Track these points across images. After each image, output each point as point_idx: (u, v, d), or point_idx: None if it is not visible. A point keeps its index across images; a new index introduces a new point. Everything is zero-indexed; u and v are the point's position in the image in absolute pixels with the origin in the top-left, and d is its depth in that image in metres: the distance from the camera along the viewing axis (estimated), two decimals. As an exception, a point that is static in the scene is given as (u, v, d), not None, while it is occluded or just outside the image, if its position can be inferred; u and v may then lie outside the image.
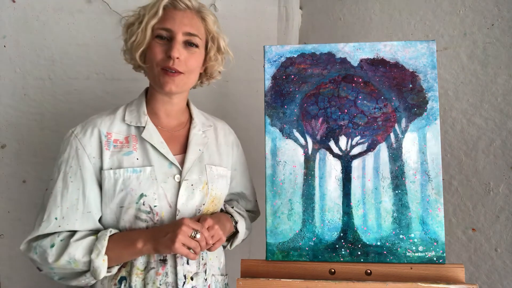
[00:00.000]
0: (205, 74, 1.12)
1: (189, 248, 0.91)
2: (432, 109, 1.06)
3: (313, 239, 1.06)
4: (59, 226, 0.93)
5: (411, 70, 1.09)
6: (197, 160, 1.05)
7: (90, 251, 0.91)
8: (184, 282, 0.98)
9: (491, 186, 1.23)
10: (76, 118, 1.52)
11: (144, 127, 1.01)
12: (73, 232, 0.94)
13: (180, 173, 1.00)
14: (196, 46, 1.01)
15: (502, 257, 1.22)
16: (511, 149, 1.20)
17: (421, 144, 1.06)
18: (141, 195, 0.96)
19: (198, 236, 0.92)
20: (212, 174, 1.07)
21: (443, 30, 1.33)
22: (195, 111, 1.15)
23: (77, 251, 0.90)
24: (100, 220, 0.99)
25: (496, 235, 1.23)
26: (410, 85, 1.08)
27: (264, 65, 1.13)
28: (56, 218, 0.93)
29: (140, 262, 0.97)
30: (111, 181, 0.96)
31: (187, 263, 1.00)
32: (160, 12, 0.97)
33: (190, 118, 1.13)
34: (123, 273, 0.97)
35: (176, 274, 0.98)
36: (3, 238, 1.50)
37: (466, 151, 1.28)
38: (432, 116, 1.06)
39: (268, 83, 1.12)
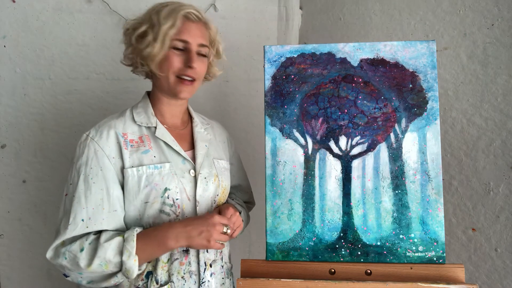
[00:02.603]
0: (204, 78, 1.18)
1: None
2: (432, 109, 1.06)
3: (313, 239, 1.06)
4: (87, 227, 0.94)
5: (411, 70, 1.09)
6: (205, 155, 1.11)
7: (120, 252, 0.92)
8: (205, 269, 1.05)
9: (491, 186, 1.23)
10: (76, 118, 1.52)
11: (155, 127, 1.06)
12: (99, 235, 0.95)
13: (194, 168, 1.07)
14: (206, 55, 1.08)
15: (502, 257, 1.22)
16: (511, 149, 1.20)
17: (421, 144, 1.06)
18: (165, 189, 1.00)
19: (229, 231, 0.99)
20: (219, 167, 1.14)
21: (443, 30, 1.33)
22: (192, 111, 1.21)
23: (108, 253, 0.91)
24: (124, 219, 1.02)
25: (496, 235, 1.23)
26: (410, 85, 1.08)
27: (264, 65, 1.13)
28: (82, 220, 0.94)
29: (164, 255, 1.01)
30: (135, 179, 0.99)
31: (207, 251, 1.06)
32: (179, 24, 1.01)
33: (190, 117, 1.19)
34: (149, 267, 1.00)
35: (198, 263, 1.04)
36: (3, 238, 1.50)
37: (466, 151, 1.28)
38: (432, 116, 1.06)
39: (268, 83, 1.12)
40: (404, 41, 1.12)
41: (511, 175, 1.20)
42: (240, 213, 1.17)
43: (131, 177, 0.99)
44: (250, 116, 1.68)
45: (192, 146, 1.12)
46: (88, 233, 0.95)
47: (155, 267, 1.00)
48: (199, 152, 1.10)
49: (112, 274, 0.94)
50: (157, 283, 0.99)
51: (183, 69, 1.03)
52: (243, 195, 1.34)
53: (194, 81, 1.05)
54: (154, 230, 0.97)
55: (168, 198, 1.01)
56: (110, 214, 0.97)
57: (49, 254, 0.94)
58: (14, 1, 1.46)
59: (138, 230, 0.96)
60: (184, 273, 1.02)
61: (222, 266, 1.11)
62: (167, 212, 1.01)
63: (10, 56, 1.47)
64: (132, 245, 0.92)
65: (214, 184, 1.09)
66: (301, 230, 1.07)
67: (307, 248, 1.06)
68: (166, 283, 1.00)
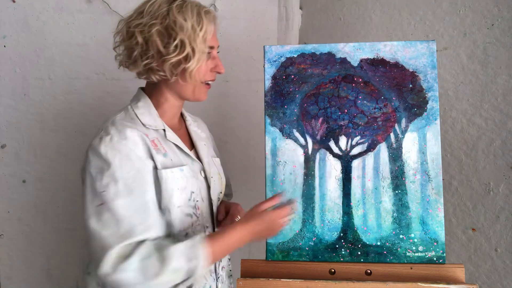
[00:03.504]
0: None
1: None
2: (432, 109, 1.06)
3: (313, 239, 1.06)
4: (144, 232, 0.86)
5: (411, 70, 1.09)
6: (207, 154, 1.10)
7: (190, 258, 0.85)
8: (219, 264, 1.06)
9: (491, 186, 1.23)
10: (76, 118, 1.52)
11: (163, 129, 1.00)
12: (158, 241, 0.88)
13: (203, 168, 1.05)
14: None
15: (502, 257, 1.22)
16: (511, 149, 1.20)
17: (421, 144, 1.06)
18: (191, 192, 0.98)
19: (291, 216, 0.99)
20: (217, 164, 1.14)
21: (443, 30, 1.33)
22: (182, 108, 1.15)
23: (180, 260, 0.84)
24: None
25: (496, 235, 1.23)
26: (410, 85, 1.08)
27: (264, 65, 1.13)
28: (136, 226, 0.86)
29: None
30: (169, 180, 0.93)
31: None
32: (211, 29, 0.96)
33: (181, 115, 1.14)
34: None
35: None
36: (3, 238, 1.50)
37: (466, 151, 1.28)
38: (432, 116, 1.06)
39: (268, 83, 1.12)
40: (404, 41, 1.12)
41: (511, 175, 1.20)
42: None
43: (165, 179, 0.93)
44: (250, 116, 1.68)
45: (191, 146, 1.09)
46: (142, 241, 0.86)
47: None
48: (202, 152, 1.08)
49: (179, 283, 0.88)
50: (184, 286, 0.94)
51: (210, 74, 1.00)
52: (225, 189, 1.30)
53: None
54: (226, 236, 0.91)
55: (193, 201, 0.99)
56: (157, 217, 0.91)
57: (105, 270, 0.81)
58: (14, 1, 1.46)
59: (204, 235, 0.91)
60: (205, 273, 1.00)
61: (229, 259, 1.13)
62: (191, 215, 0.98)
63: (10, 56, 1.47)
64: (203, 250, 0.86)
65: (219, 182, 1.10)
66: (301, 230, 1.07)
67: (307, 248, 1.06)
68: (191, 285, 0.96)
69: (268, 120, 1.11)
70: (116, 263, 0.81)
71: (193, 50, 0.92)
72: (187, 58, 0.92)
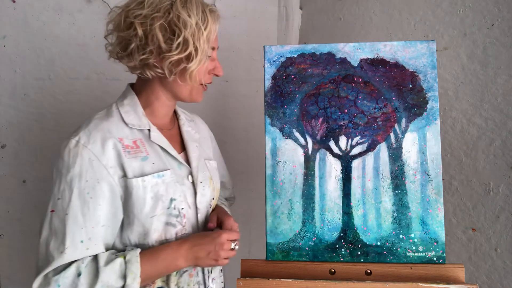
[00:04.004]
0: None
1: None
2: (432, 109, 1.06)
3: (313, 239, 1.06)
4: (87, 249, 0.83)
5: (411, 70, 1.09)
6: (198, 157, 1.03)
7: (124, 275, 0.83)
8: (209, 276, 1.02)
9: (491, 186, 1.23)
10: (76, 118, 1.52)
11: (148, 129, 0.94)
12: (94, 256, 0.85)
13: (191, 173, 0.99)
14: None
15: (502, 257, 1.22)
16: (511, 149, 1.20)
17: (421, 144, 1.06)
18: (171, 200, 0.92)
19: (237, 247, 0.95)
20: (211, 168, 1.08)
21: (443, 30, 1.33)
22: (177, 106, 1.09)
23: (111, 278, 0.82)
24: (123, 235, 0.92)
25: (496, 235, 1.23)
26: (410, 85, 1.08)
27: (264, 65, 1.13)
28: (82, 241, 0.83)
29: None
30: (140, 190, 0.88)
31: None
32: (216, 29, 0.92)
33: (174, 114, 1.08)
34: (159, 283, 0.93)
35: (203, 271, 1.00)
36: (3, 238, 1.50)
37: (466, 151, 1.28)
38: (432, 116, 1.06)
39: (268, 83, 1.12)
40: (404, 41, 1.12)
41: (511, 175, 1.20)
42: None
43: (136, 188, 0.88)
44: (250, 116, 1.68)
45: (183, 148, 1.03)
46: (80, 259, 0.84)
47: (166, 282, 0.94)
48: (192, 154, 1.01)
49: None
50: None
51: (208, 77, 0.97)
52: (225, 192, 1.27)
53: None
54: (160, 251, 0.88)
55: (174, 209, 0.92)
56: (112, 232, 0.88)
57: (37, 283, 0.80)
58: (14, 1, 1.46)
59: (139, 250, 0.87)
60: (194, 284, 0.97)
61: (221, 270, 1.09)
62: (173, 224, 0.93)
63: (10, 56, 1.47)
64: (137, 266, 0.84)
65: (210, 188, 1.03)
66: (301, 230, 1.07)
67: (307, 248, 1.06)
68: None
69: (268, 120, 1.11)
70: (46, 278, 0.81)
71: (196, 49, 0.87)
72: (189, 58, 0.88)
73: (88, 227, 0.84)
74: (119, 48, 0.91)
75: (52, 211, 0.85)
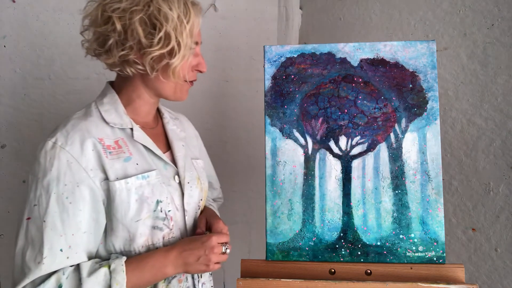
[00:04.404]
0: None
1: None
2: (432, 109, 1.06)
3: (313, 239, 1.06)
4: (68, 258, 0.78)
5: (411, 70, 1.09)
6: (184, 156, 0.99)
7: (108, 285, 0.78)
8: (198, 281, 0.99)
9: (491, 186, 1.23)
10: (76, 118, 1.52)
11: (131, 128, 0.89)
12: (76, 266, 0.80)
13: (178, 173, 0.95)
14: None
15: (502, 257, 1.22)
16: (511, 149, 1.20)
17: (421, 144, 1.06)
18: (157, 202, 0.87)
19: (228, 250, 0.91)
20: (198, 167, 1.05)
21: (443, 30, 1.33)
22: (160, 104, 1.04)
23: None
24: (107, 241, 0.87)
25: (496, 235, 1.23)
26: (410, 85, 1.08)
27: (264, 65, 1.13)
28: (61, 250, 0.78)
29: None
30: (123, 193, 0.83)
31: None
32: (199, 23, 0.88)
33: (158, 112, 1.04)
34: None
35: (192, 276, 0.98)
36: (3, 238, 1.50)
37: (466, 151, 1.28)
38: (432, 116, 1.06)
39: (268, 83, 1.12)
40: (404, 41, 1.12)
41: (511, 175, 1.20)
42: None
43: (119, 191, 0.83)
44: (250, 116, 1.68)
45: (167, 147, 0.98)
46: (60, 269, 0.79)
47: None
48: (178, 153, 0.97)
49: None
50: None
51: (193, 74, 0.92)
52: (213, 192, 1.23)
53: None
54: (146, 258, 0.84)
55: (161, 211, 0.88)
56: (94, 239, 0.83)
57: None
58: (14, 1, 1.46)
59: (124, 258, 0.83)
60: None
61: (211, 274, 1.06)
62: (160, 227, 0.88)
63: (10, 56, 1.47)
64: (122, 276, 0.79)
65: (198, 188, 0.99)
66: (301, 230, 1.07)
67: (307, 248, 1.06)
68: None
69: (268, 120, 1.11)
70: None
71: (178, 44, 0.82)
72: (171, 53, 0.83)
73: (68, 235, 0.78)
74: (96, 44, 0.86)
75: (28, 218, 0.79)
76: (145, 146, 0.90)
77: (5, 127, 1.49)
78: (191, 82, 0.94)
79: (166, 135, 1.00)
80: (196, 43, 0.89)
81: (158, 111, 1.04)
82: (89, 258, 0.83)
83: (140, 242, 0.87)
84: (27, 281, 0.76)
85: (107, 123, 0.87)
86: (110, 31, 0.82)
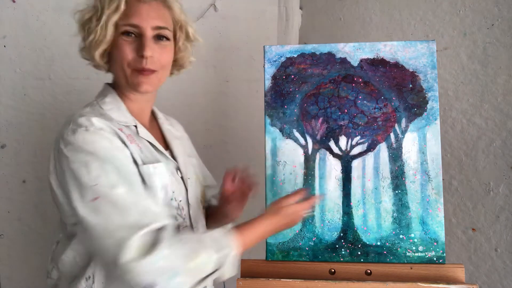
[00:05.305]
0: (175, 65, 1.01)
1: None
2: (432, 109, 1.06)
3: (313, 239, 1.06)
4: (156, 219, 0.76)
5: (411, 70, 1.09)
6: (182, 153, 1.01)
7: (222, 246, 0.79)
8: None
9: (491, 186, 1.23)
10: (76, 118, 1.52)
11: (135, 125, 0.91)
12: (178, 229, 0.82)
13: (179, 168, 0.96)
14: (167, 39, 0.92)
15: (502, 257, 1.22)
16: (511, 149, 1.20)
17: (421, 144, 1.06)
18: (173, 191, 0.90)
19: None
20: (194, 164, 1.06)
21: (443, 30, 1.33)
22: (154, 106, 1.06)
23: (212, 247, 0.77)
24: None
25: (496, 235, 1.23)
26: (410, 85, 1.08)
27: (264, 65, 1.13)
28: (145, 213, 0.76)
29: None
30: (152, 177, 0.84)
31: None
32: (122, 6, 0.86)
33: (152, 114, 1.06)
34: None
35: None
36: (3, 238, 1.50)
37: (466, 151, 1.28)
38: (432, 116, 1.06)
39: (268, 83, 1.12)
40: (404, 41, 1.12)
41: (511, 175, 1.20)
42: None
43: (148, 175, 0.83)
44: (250, 116, 1.67)
45: (166, 146, 1.00)
46: (162, 228, 0.76)
47: None
48: (176, 150, 0.99)
49: (206, 276, 0.78)
50: None
51: (136, 59, 0.87)
52: (212, 190, 1.20)
53: (154, 71, 0.89)
54: (254, 225, 0.88)
55: (175, 200, 0.90)
56: (161, 204, 0.85)
57: (128, 258, 0.70)
58: (14, 1, 1.46)
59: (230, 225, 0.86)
60: None
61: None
62: (175, 216, 0.89)
63: (10, 56, 1.47)
64: (235, 239, 0.81)
65: (197, 183, 1.01)
66: (301, 230, 1.07)
67: (307, 248, 1.06)
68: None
69: (268, 120, 1.11)
70: (139, 254, 0.71)
71: (96, 25, 0.86)
72: (90, 33, 0.86)
73: (144, 198, 0.78)
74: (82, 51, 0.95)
75: (96, 198, 0.75)
76: (150, 143, 0.91)
77: (5, 127, 1.49)
78: (143, 70, 0.88)
79: (162, 135, 1.02)
80: (133, 26, 0.87)
81: (153, 113, 1.05)
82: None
83: None
84: (133, 245, 0.71)
85: (112, 120, 0.88)
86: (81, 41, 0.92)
